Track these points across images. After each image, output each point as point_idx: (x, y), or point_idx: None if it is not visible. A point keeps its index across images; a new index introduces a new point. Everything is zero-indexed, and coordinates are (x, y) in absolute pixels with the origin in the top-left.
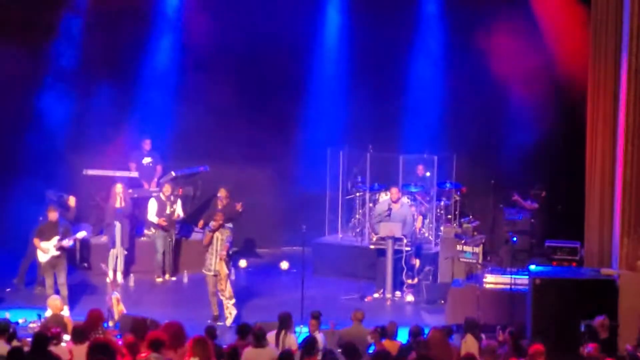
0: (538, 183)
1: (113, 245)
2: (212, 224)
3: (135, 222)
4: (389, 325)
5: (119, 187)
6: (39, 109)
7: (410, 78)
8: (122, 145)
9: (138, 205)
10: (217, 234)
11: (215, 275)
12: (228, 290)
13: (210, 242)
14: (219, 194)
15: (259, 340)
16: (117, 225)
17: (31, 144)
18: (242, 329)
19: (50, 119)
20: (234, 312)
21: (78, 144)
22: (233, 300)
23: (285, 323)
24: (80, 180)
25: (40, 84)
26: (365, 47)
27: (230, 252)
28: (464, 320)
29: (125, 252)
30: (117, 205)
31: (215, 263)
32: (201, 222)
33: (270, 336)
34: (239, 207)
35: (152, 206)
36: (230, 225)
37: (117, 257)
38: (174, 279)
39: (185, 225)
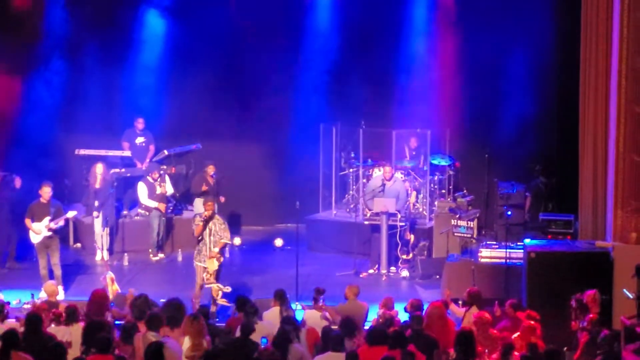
0: None
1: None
2: (204, 213)
3: (120, 202)
4: (385, 301)
5: (99, 168)
6: (30, 88)
7: (402, 52)
8: (115, 125)
9: (131, 184)
10: (209, 224)
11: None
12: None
13: (201, 233)
14: (207, 170)
15: (251, 317)
16: (98, 204)
17: (23, 124)
18: (240, 300)
19: (42, 98)
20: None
21: (70, 124)
22: (220, 294)
23: (282, 299)
24: (73, 160)
25: (30, 63)
26: (356, 22)
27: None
28: (465, 293)
29: (108, 230)
30: (98, 185)
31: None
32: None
33: (268, 314)
34: (222, 199)
35: (142, 190)
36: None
37: (102, 237)
38: (162, 256)
39: (179, 204)
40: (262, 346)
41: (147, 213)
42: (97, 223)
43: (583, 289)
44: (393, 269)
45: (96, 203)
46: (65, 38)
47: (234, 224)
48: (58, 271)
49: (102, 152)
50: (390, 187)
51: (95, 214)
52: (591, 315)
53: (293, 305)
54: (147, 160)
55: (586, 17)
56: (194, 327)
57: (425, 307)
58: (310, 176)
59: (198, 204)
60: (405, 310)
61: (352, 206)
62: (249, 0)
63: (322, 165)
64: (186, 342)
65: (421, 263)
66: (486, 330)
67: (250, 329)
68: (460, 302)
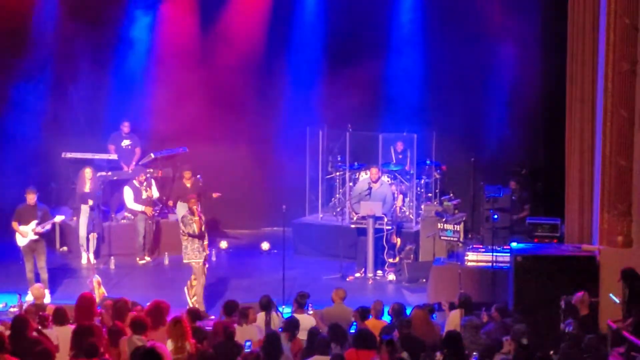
0: None
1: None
2: (193, 208)
3: (107, 205)
4: (376, 304)
5: (88, 172)
6: (16, 91)
7: (389, 56)
8: (101, 128)
9: (117, 187)
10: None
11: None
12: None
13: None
14: (184, 174)
15: (245, 318)
16: (85, 208)
17: (9, 127)
18: (229, 305)
19: (28, 101)
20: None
21: (57, 127)
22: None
23: (267, 307)
24: (60, 163)
25: (17, 67)
26: (343, 25)
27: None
28: (457, 298)
29: (96, 235)
30: (87, 189)
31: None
32: (171, 202)
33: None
34: (215, 195)
35: (129, 194)
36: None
37: (88, 240)
38: (148, 259)
39: (164, 207)
40: (247, 350)
41: (133, 217)
42: (82, 226)
43: (569, 293)
44: (380, 272)
45: (90, 202)
46: (52, 42)
47: (221, 227)
48: (44, 275)
49: (89, 155)
50: (377, 190)
51: (79, 223)
52: (570, 321)
53: (280, 309)
54: (133, 163)
55: (573, 22)
56: (177, 330)
57: (408, 310)
58: (297, 179)
59: (180, 208)
60: (388, 313)
61: (338, 210)
62: (237, 4)
63: (308, 169)
64: (169, 345)
65: (408, 267)
66: (476, 333)
67: (232, 332)
68: (446, 304)
